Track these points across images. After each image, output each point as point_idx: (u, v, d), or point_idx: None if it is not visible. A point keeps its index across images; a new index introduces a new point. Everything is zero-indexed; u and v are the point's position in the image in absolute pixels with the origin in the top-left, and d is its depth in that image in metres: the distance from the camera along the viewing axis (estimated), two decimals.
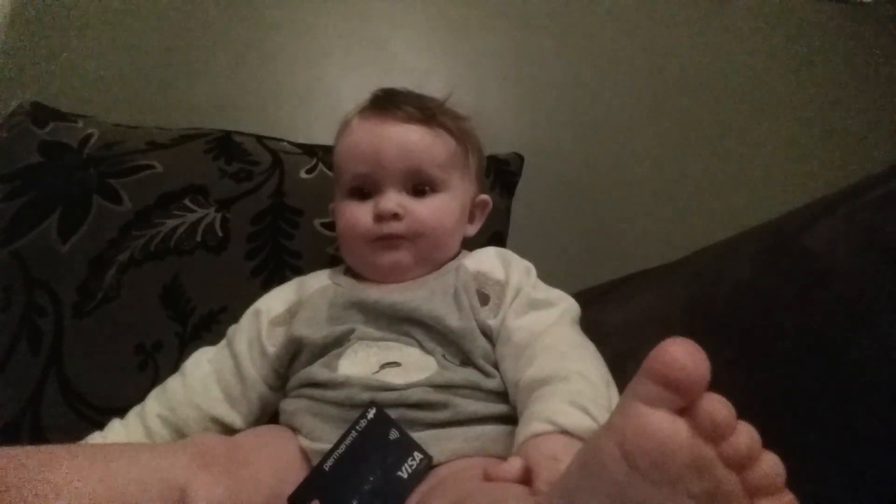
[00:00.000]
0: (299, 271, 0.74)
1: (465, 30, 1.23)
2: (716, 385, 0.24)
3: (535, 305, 0.56)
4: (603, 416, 0.42)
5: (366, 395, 0.50)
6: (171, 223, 0.75)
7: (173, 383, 0.58)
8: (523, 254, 0.65)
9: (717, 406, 0.24)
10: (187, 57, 1.10)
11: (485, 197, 0.70)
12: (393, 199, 0.60)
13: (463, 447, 0.48)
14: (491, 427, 0.50)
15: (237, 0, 1.15)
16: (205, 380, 0.58)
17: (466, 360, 0.54)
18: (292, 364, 0.58)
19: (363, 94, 0.68)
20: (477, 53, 1.23)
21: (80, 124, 0.82)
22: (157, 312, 0.71)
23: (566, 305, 0.57)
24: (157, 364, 0.68)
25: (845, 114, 1.33)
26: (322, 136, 0.80)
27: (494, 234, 0.83)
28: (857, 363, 0.36)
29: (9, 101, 0.87)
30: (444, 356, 0.54)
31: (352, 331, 0.55)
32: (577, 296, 0.60)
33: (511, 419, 0.50)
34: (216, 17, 1.13)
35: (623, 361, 0.45)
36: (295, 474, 0.47)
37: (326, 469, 0.45)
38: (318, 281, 0.64)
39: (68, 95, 0.99)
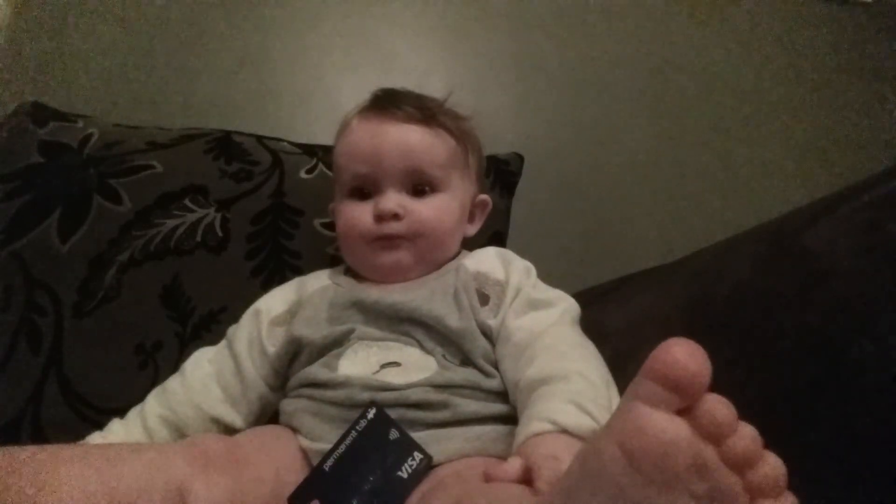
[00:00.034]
0: (299, 271, 0.74)
1: (465, 30, 1.23)
2: (716, 385, 0.24)
3: (535, 305, 0.56)
4: (603, 416, 0.42)
5: (366, 395, 0.50)
6: (171, 223, 0.75)
7: (173, 383, 0.58)
8: (523, 254, 0.65)
9: (718, 406, 0.24)
10: (187, 57, 1.10)
11: (485, 197, 0.70)
12: (393, 199, 0.60)
13: (463, 447, 0.48)
14: (491, 427, 0.50)
15: (237, 0, 1.15)
16: (205, 380, 0.58)
17: (466, 360, 0.54)
18: (292, 364, 0.58)
19: (363, 94, 0.68)
20: (477, 53, 1.23)
21: (80, 124, 0.82)
22: (157, 312, 0.71)
23: (566, 305, 0.57)
24: (157, 364, 0.68)
25: (845, 114, 1.33)
26: (322, 136, 0.79)
27: (494, 234, 0.83)
28: (857, 363, 0.36)
29: (9, 102, 0.87)
30: (444, 356, 0.54)
31: (352, 331, 0.55)
32: (577, 296, 0.60)
33: (511, 419, 0.50)
34: (216, 17, 1.13)
35: (623, 361, 0.45)
36: (295, 474, 0.47)
37: (326, 469, 0.45)
38: (318, 281, 0.64)
39: (68, 95, 0.99)
